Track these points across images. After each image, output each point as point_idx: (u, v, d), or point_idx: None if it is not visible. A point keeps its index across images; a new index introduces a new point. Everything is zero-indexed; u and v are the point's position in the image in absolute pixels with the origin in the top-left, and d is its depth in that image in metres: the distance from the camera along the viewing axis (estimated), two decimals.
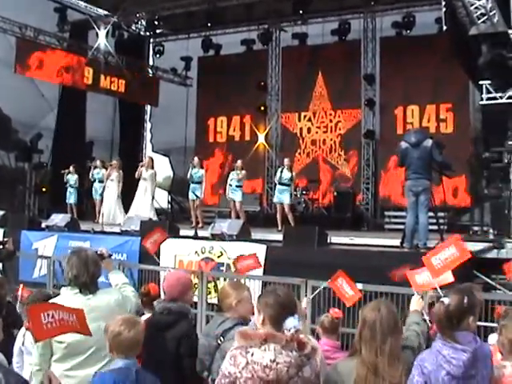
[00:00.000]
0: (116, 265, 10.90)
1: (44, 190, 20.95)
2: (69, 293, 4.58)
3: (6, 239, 7.71)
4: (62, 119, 21.61)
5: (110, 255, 5.27)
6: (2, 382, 3.18)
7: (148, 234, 9.79)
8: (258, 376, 3.34)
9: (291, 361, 3.33)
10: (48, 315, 3.80)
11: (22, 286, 7.03)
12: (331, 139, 21.30)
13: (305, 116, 21.72)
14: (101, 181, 17.87)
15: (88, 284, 4.57)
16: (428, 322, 4.63)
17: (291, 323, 3.44)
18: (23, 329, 5.48)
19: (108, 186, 17.35)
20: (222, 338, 4.65)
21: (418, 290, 5.11)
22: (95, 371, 4.40)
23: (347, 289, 6.66)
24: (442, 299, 3.76)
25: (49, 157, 21.45)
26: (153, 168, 16.89)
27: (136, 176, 16.81)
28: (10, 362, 4.66)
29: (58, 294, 4.74)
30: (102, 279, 4.89)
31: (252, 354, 3.38)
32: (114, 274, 5.20)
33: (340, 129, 21.18)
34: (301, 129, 21.77)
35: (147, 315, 6.14)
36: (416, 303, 4.68)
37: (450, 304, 3.69)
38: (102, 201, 17.73)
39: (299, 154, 21.65)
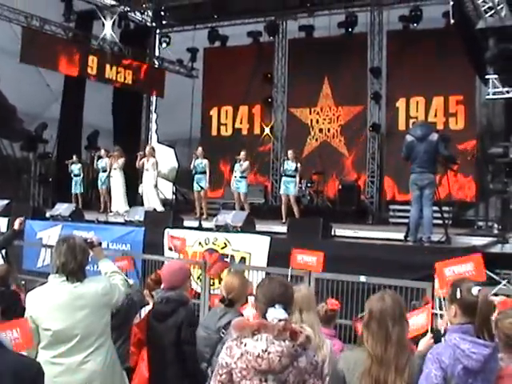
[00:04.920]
0: (119, 255, 11.00)
1: (49, 179, 20.98)
2: (56, 280, 4.55)
3: (22, 218, 7.84)
4: (66, 109, 21.58)
5: (100, 243, 5.21)
6: (19, 373, 3.12)
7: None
8: (252, 366, 3.35)
9: (283, 350, 3.32)
10: None
11: None
12: (334, 128, 21.42)
13: (314, 110, 21.70)
14: (105, 170, 17.88)
15: (75, 272, 4.52)
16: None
17: (272, 314, 3.45)
18: None
19: (112, 175, 17.36)
20: (224, 330, 4.64)
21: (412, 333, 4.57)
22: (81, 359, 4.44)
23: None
24: (478, 288, 3.69)
25: (53, 147, 21.45)
26: (154, 157, 16.82)
27: (137, 166, 16.78)
28: None
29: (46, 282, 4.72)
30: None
31: (245, 345, 3.40)
32: (104, 262, 5.14)
33: (341, 120, 21.29)
34: (311, 120, 21.78)
35: (151, 305, 6.08)
36: (424, 344, 4.25)
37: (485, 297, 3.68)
38: (106, 191, 17.76)
39: (309, 139, 21.73)
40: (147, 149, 17.35)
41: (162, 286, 5.33)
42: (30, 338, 3.96)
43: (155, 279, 6.62)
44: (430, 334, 4.43)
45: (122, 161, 17.28)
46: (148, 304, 6.34)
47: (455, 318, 3.74)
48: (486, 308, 3.64)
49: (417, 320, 4.85)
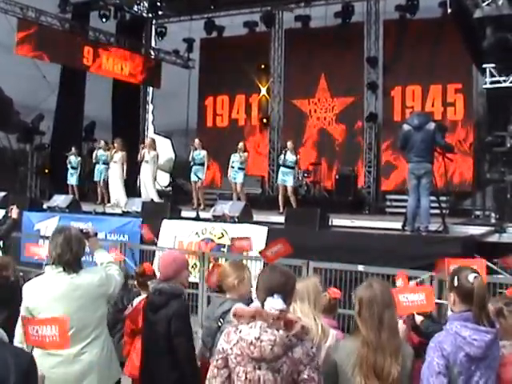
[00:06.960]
0: (117, 245, 11.01)
1: (45, 171, 20.96)
2: (53, 272, 4.56)
3: (14, 205, 7.90)
4: (62, 101, 21.52)
5: (96, 234, 5.21)
6: (11, 365, 3.09)
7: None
8: (246, 353, 3.37)
9: (276, 339, 3.32)
10: (33, 329, 3.89)
11: None
12: (331, 117, 21.42)
13: (312, 101, 21.69)
14: (105, 162, 17.78)
15: (71, 263, 4.54)
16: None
17: (269, 304, 3.45)
18: None
19: (111, 167, 17.27)
20: (221, 319, 4.62)
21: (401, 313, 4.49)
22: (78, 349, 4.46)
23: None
24: (474, 275, 3.73)
25: (50, 138, 21.39)
26: (155, 150, 16.76)
27: (139, 159, 16.70)
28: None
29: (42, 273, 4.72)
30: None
31: (240, 331, 3.42)
32: (100, 253, 5.13)
33: (336, 110, 21.30)
34: (310, 110, 21.77)
35: (143, 296, 6.14)
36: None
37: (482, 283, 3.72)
38: (104, 182, 17.72)
39: (308, 127, 21.72)
40: (148, 141, 17.30)
41: (158, 277, 5.29)
42: (68, 339, 3.96)
43: (139, 272, 6.79)
44: (400, 321, 4.31)
45: (121, 154, 17.09)
46: (140, 294, 6.42)
47: (455, 305, 3.79)
48: (482, 294, 3.67)
49: (412, 298, 4.83)
